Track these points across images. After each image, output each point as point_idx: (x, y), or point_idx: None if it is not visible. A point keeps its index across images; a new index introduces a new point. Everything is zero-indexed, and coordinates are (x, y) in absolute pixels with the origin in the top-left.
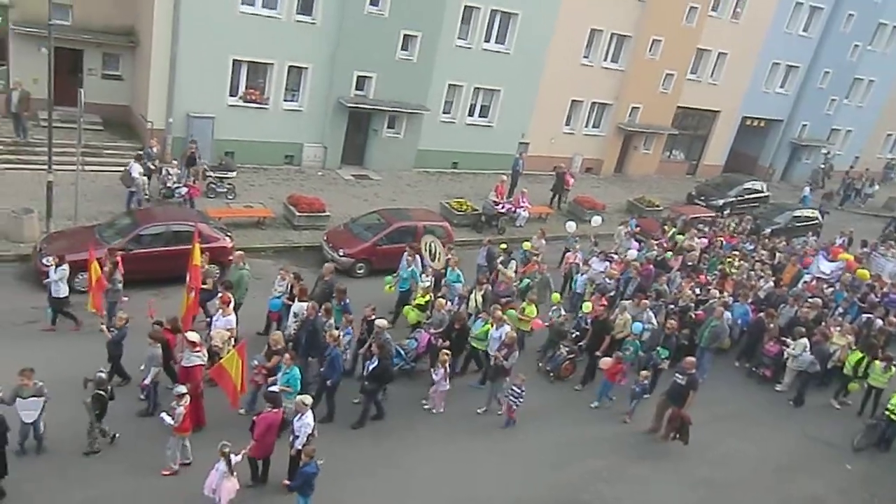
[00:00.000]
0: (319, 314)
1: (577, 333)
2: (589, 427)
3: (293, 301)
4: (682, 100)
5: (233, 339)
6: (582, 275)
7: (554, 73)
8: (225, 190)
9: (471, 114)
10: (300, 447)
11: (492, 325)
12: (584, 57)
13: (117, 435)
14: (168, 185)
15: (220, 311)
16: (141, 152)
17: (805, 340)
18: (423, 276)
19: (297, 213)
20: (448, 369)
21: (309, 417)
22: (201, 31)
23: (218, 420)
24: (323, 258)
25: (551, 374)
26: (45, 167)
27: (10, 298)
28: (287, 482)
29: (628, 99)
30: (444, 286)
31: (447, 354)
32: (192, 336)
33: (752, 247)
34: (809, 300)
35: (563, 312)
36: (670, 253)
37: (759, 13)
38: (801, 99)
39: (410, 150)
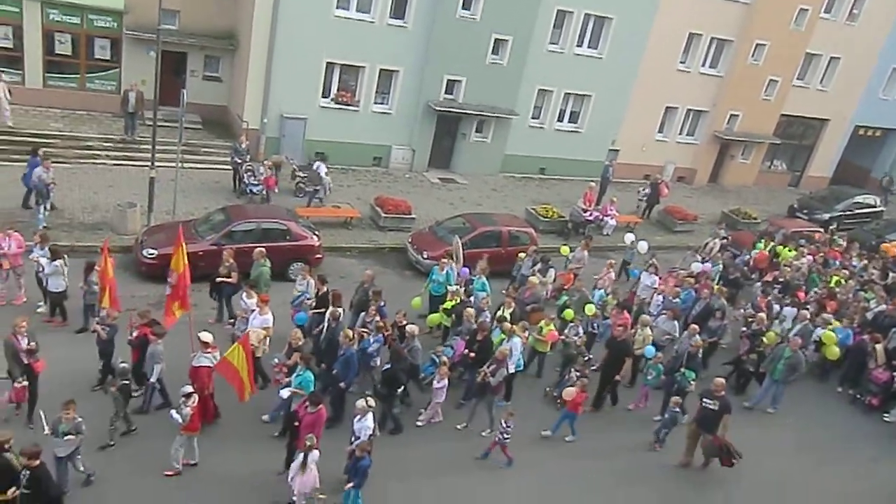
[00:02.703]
0: (339, 322)
1: (590, 357)
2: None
3: (321, 307)
4: (787, 107)
5: (268, 339)
6: (598, 289)
7: (648, 79)
8: (313, 189)
9: (560, 119)
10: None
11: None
12: (681, 62)
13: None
14: (245, 180)
15: (258, 309)
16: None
17: None
18: (456, 283)
19: (384, 215)
20: (447, 382)
21: (369, 420)
22: (297, 35)
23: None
24: (407, 259)
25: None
26: (149, 164)
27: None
28: (355, 486)
29: (727, 106)
30: (465, 290)
31: (446, 365)
32: (205, 336)
33: (859, 264)
34: None
35: (580, 332)
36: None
37: (879, 14)
38: None
39: (497, 155)
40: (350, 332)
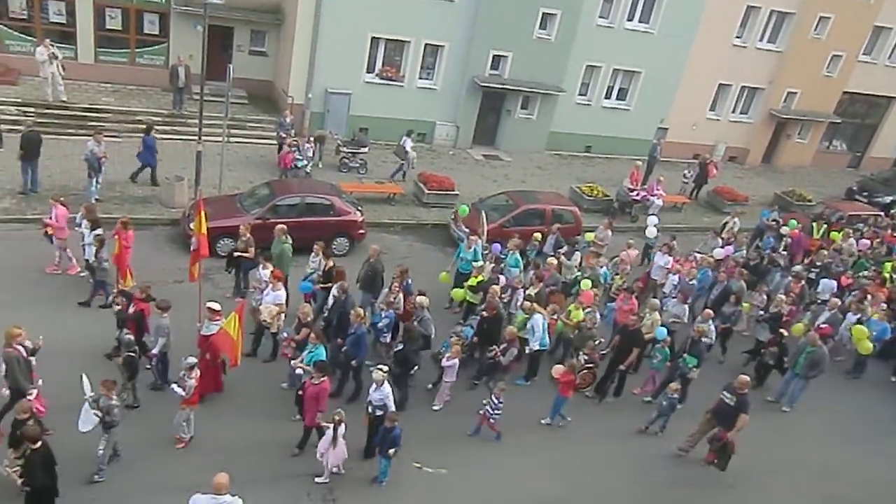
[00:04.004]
0: (348, 294)
1: (602, 341)
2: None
3: (328, 282)
4: (851, 84)
5: (282, 315)
6: (602, 267)
7: (701, 55)
8: (357, 165)
9: (608, 96)
10: (379, 414)
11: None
12: (737, 37)
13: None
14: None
15: (271, 286)
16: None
17: None
18: (485, 260)
19: (427, 191)
20: (458, 362)
21: (386, 388)
22: (342, 9)
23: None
24: (450, 236)
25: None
26: (196, 138)
27: (161, 259)
28: (389, 450)
29: (785, 83)
30: (492, 262)
31: (458, 345)
32: (213, 304)
33: None
34: None
35: (598, 317)
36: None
37: None
38: None
39: (543, 132)
40: (361, 311)
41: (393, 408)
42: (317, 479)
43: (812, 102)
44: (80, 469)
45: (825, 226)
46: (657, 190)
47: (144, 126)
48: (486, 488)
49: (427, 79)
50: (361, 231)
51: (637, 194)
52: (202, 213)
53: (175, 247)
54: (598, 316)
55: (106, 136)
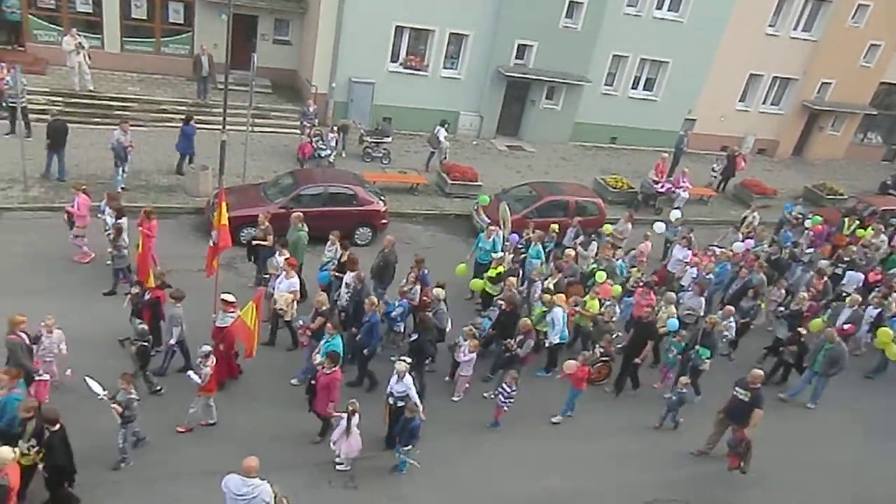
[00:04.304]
0: (364, 283)
1: (619, 334)
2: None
3: (343, 272)
4: (888, 74)
5: (296, 303)
6: (619, 260)
7: (732, 44)
8: (381, 154)
9: (634, 86)
10: (400, 405)
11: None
12: (770, 26)
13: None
14: (313, 144)
15: (284, 273)
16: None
17: None
18: (505, 251)
19: (450, 181)
20: (474, 354)
21: (408, 380)
22: None
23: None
24: (472, 226)
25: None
26: (220, 127)
27: (185, 247)
28: (405, 445)
29: (819, 73)
30: (511, 253)
31: (475, 338)
32: (228, 296)
33: None
34: None
35: (618, 311)
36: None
37: None
38: None
39: (567, 123)
40: (374, 299)
41: (417, 400)
42: (338, 467)
43: (847, 93)
44: (105, 454)
45: (857, 221)
46: (683, 182)
47: (184, 116)
48: (503, 479)
49: (451, 68)
50: (384, 221)
51: (662, 186)
52: (223, 205)
53: (199, 235)
54: (616, 309)
55: (132, 125)
